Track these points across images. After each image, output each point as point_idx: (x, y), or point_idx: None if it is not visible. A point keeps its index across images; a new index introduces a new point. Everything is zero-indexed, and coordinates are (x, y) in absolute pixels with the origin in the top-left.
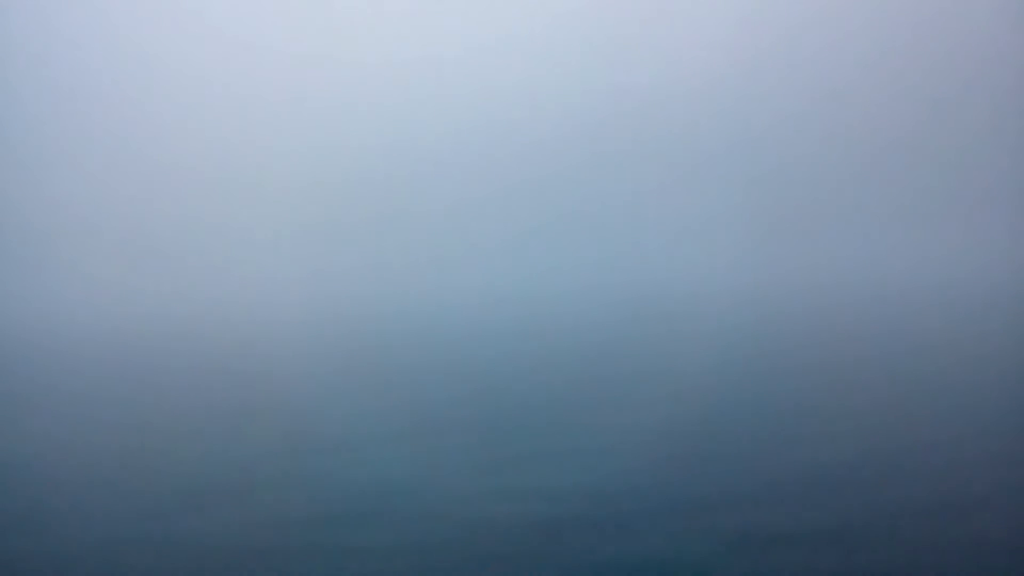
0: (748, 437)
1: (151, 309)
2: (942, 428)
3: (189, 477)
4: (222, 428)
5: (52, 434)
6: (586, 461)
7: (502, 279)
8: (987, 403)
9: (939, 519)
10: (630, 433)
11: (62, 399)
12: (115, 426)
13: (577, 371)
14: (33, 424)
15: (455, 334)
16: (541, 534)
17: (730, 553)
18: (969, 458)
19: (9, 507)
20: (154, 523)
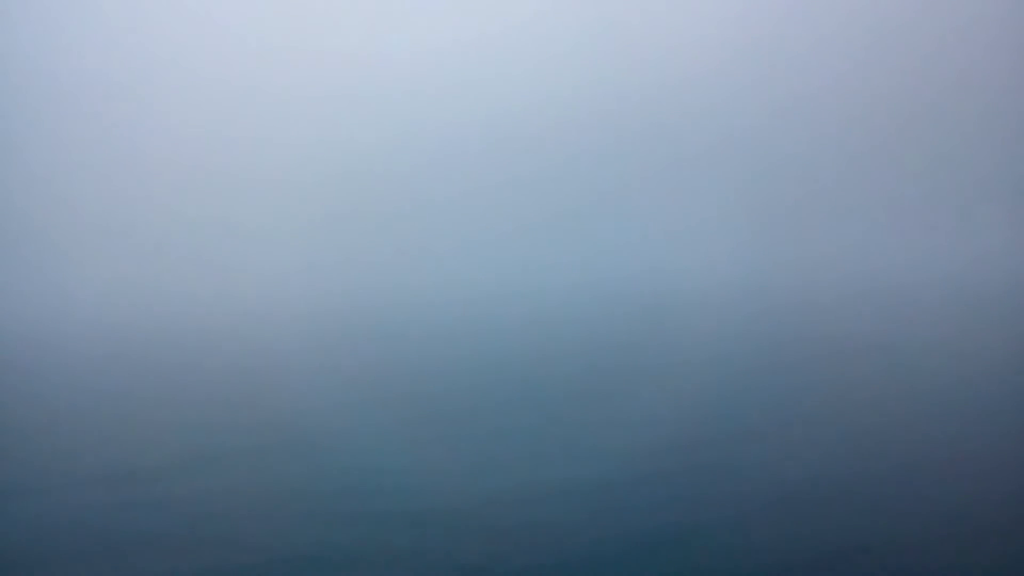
0: (744, 435)
1: (152, 304)
2: (941, 426)
3: (189, 474)
4: (222, 424)
5: (53, 431)
6: (582, 459)
7: (499, 273)
8: (987, 401)
9: (939, 518)
10: (625, 429)
11: (64, 395)
12: (116, 423)
13: (573, 367)
14: (34, 421)
15: (453, 328)
16: (538, 533)
17: (727, 544)
18: (968, 457)
19: (10, 506)
20: (154, 520)
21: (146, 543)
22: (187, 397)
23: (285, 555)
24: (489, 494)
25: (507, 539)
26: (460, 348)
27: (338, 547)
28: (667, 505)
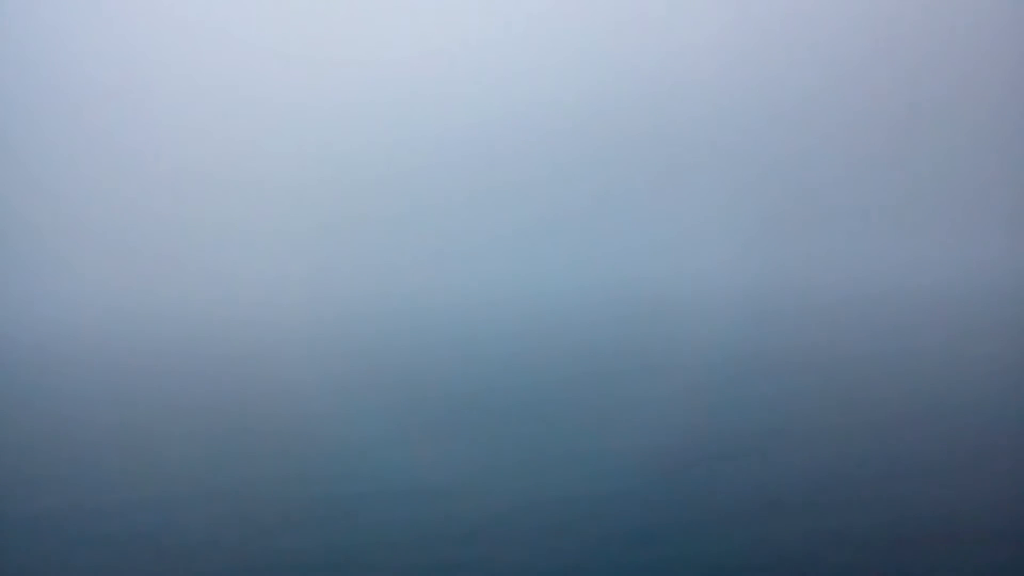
0: (744, 437)
1: (151, 309)
2: (939, 430)
3: (187, 477)
4: (221, 427)
5: (51, 434)
6: (582, 462)
7: (497, 278)
8: (985, 406)
9: (938, 519)
10: (624, 432)
11: (62, 399)
12: (115, 426)
13: (572, 370)
14: (33, 424)
15: (453, 333)
16: (536, 534)
17: (728, 553)
18: (967, 458)
19: (9, 507)
20: (152, 521)
21: (145, 545)
22: (188, 401)
23: (284, 558)
24: (489, 496)
25: (507, 540)
26: (460, 353)
27: (338, 550)
28: (667, 506)
